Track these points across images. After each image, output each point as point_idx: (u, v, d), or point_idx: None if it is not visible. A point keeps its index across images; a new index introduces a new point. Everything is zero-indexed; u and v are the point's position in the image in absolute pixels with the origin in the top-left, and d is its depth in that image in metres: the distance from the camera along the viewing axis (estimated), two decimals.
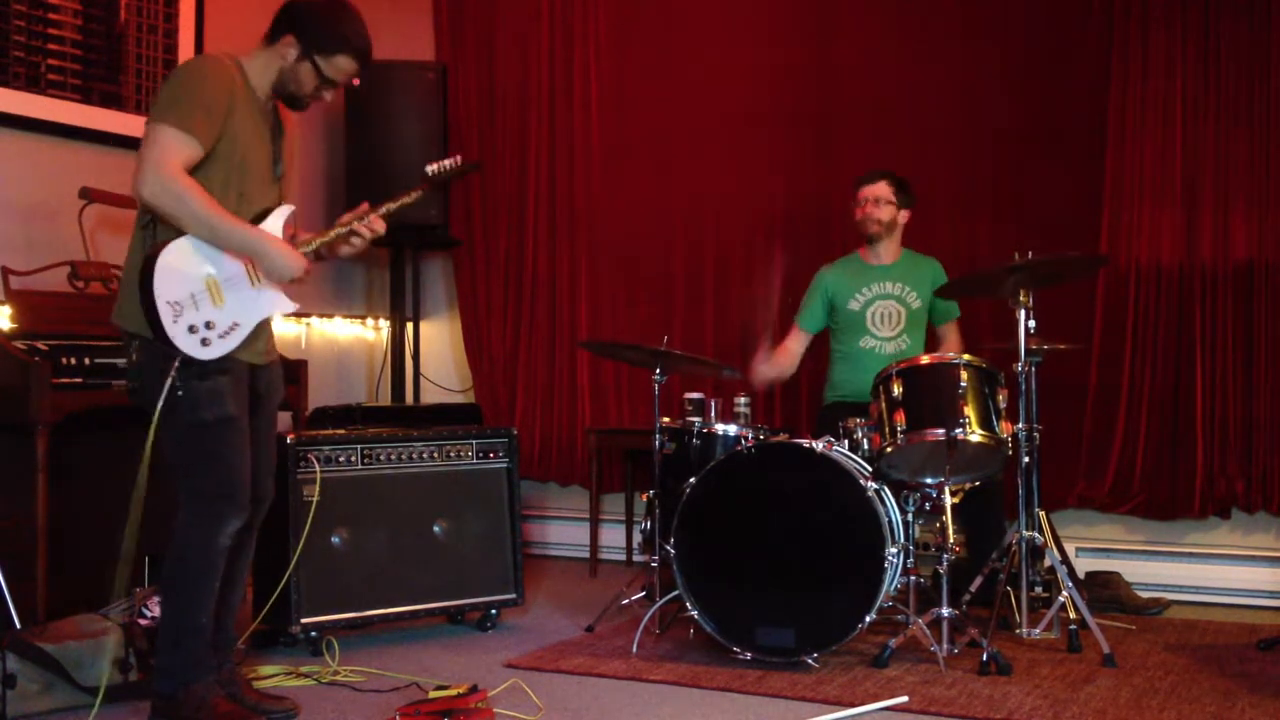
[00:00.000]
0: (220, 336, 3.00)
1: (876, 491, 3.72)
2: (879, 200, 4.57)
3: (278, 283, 3.09)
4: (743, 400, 4.41)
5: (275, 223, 3.13)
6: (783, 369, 4.67)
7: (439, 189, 3.34)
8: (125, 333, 3.05)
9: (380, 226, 3.27)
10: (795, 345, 4.71)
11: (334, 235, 3.24)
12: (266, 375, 3.24)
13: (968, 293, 4.53)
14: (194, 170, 2.98)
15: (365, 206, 3.29)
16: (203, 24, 4.95)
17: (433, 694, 3.24)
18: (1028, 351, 3.93)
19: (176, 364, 2.95)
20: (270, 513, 3.72)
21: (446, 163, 3.35)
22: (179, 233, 2.98)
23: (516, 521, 4.33)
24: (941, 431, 3.79)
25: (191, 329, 2.96)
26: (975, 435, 3.80)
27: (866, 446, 3.99)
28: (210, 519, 3.04)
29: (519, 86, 5.86)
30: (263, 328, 3.15)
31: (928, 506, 3.91)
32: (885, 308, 4.60)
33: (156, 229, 3.00)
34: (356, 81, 3.28)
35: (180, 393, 2.97)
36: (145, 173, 2.91)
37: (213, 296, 3.01)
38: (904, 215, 4.63)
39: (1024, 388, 3.95)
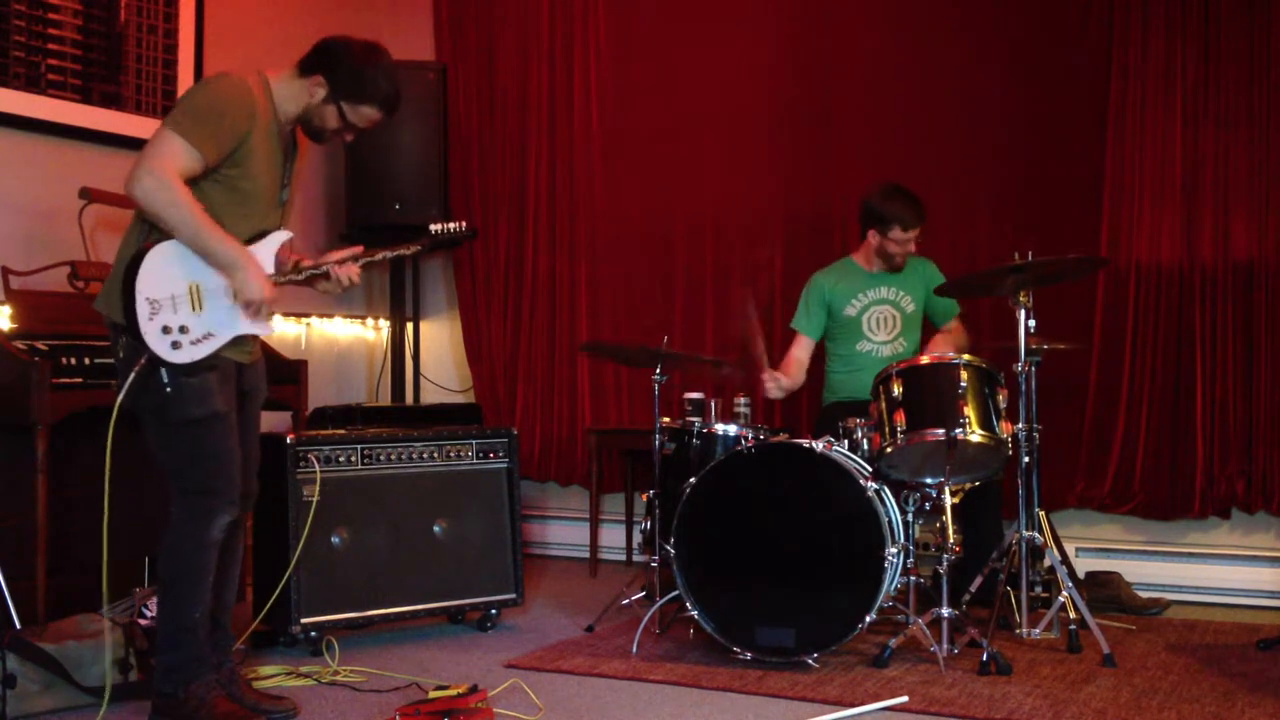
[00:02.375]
0: (192, 343, 3.00)
1: (876, 491, 3.72)
2: (914, 241, 4.53)
3: (243, 303, 3.05)
4: (743, 400, 4.41)
5: (269, 245, 3.13)
6: (795, 380, 4.60)
7: (439, 246, 3.49)
8: (112, 325, 3.06)
9: (355, 277, 3.22)
10: (802, 354, 4.66)
11: (306, 275, 3.19)
12: (252, 373, 3.25)
13: (968, 293, 4.52)
14: (200, 189, 2.99)
15: (360, 249, 3.27)
16: (203, 24, 4.95)
17: (433, 694, 3.24)
18: (1028, 351, 3.93)
19: (144, 360, 2.96)
20: (270, 513, 3.74)
21: (450, 226, 3.39)
22: None
23: (516, 521, 4.33)
24: (941, 431, 3.79)
25: (165, 330, 2.97)
26: (975, 435, 3.80)
27: (866, 446, 3.99)
28: (201, 515, 3.05)
29: (519, 86, 5.86)
30: (242, 336, 3.14)
31: (928, 506, 3.91)
32: (881, 312, 4.58)
33: (154, 225, 3.01)
34: None
35: (169, 389, 2.98)
36: (140, 171, 2.92)
37: (193, 302, 3.01)
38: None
39: (1024, 388, 3.95)
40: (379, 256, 3.31)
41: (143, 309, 2.95)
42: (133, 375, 2.97)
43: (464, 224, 3.43)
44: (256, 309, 3.06)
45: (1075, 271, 4.42)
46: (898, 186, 4.53)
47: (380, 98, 3.17)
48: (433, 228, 3.39)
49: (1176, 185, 4.80)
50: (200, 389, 3.01)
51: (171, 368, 2.97)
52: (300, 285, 3.25)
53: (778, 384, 4.47)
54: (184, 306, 3.00)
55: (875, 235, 4.54)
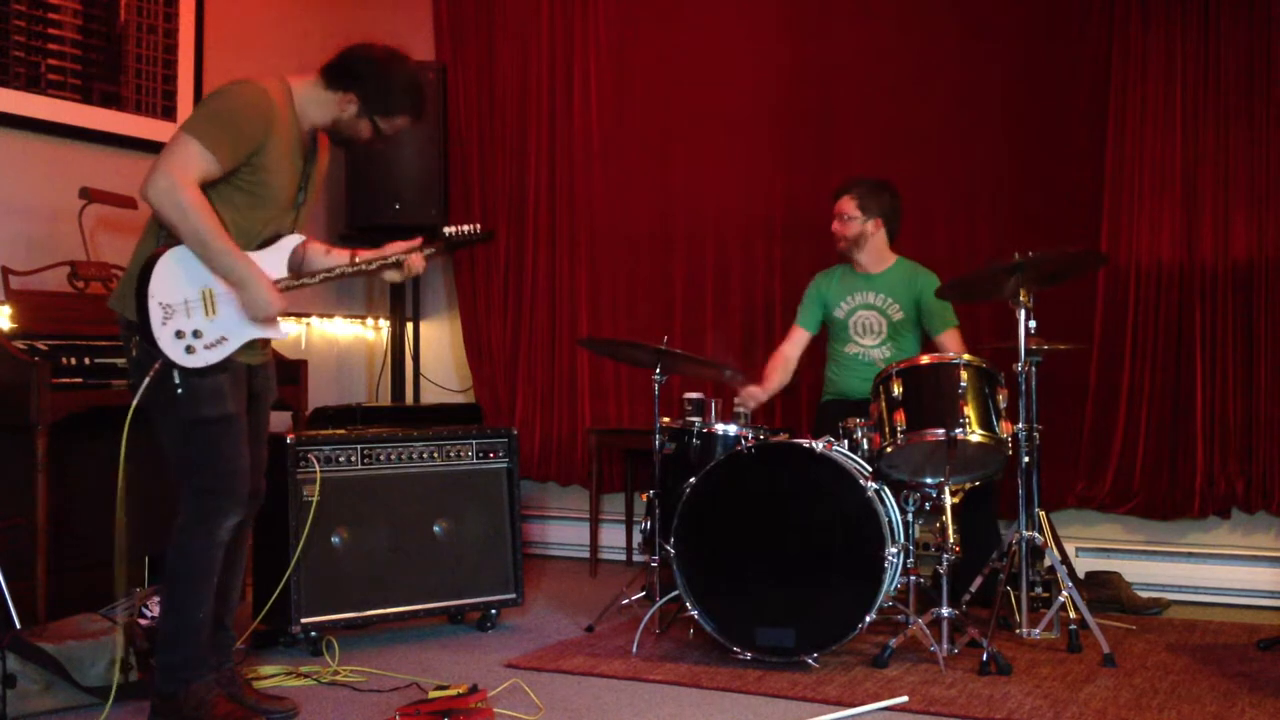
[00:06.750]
0: (206, 347, 3.00)
1: (876, 491, 3.72)
2: (844, 217, 4.53)
3: (251, 318, 3.07)
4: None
5: (280, 252, 3.14)
6: (775, 380, 4.60)
7: (450, 249, 3.50)
8: (125, 323, 3.06)
9: (423, 265, 3.37)
10: (792, 349, 4.68)
11: (376, 265, 3.31)
12: (261, 374, 3.27)
13: (968, 293, 4.51)
14: (218, 190, 3.00)
15: (420, 240, 3.35)
16: (203, 24, 4.96)
17: (433, 694, 3.24)
18: (1028, 351, 3.93)
19: (158, 365, 2.96)
20: (270, 513, 3.73)
21: (465, 228, 3.42)
22: None
23: (516, 521, 4.33)
24: (941, 431, 3.79)
25: (178, 334, 2.97)
26: (975, 435, 3.80)
27: (866, 446, 3.99)
28: (210, 515, 3.05)
29: (519, 86, 5.86)
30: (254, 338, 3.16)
31: (928, 506, 3.91)
32: (866, 317, 4.58)
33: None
34: None
35: (180, 390, 2.98)
36: (157, 176, 2.92)
37: (206, 307, 3.01)
38: (874, 225, 4.53)
39: (1024, 388, 3.95)
40: (428, 251, 3.35)
41: (155, 314, 2.95)
42: (147, 380, 2.97)
43: (478, 225, 3.44)
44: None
45: (1075, 268, 4.40)
46: None
47: (411, 108, 3.24)
48: (447, 230, 3.41)
49: (1176, 185, 4.80)
50: (213, 390, 3.02)
51: (181, 369, 2.98)
52: (345, 279, 3.27)
53: (752, 398, 4.47)
54: (197, 311, 3.00)
55: None
